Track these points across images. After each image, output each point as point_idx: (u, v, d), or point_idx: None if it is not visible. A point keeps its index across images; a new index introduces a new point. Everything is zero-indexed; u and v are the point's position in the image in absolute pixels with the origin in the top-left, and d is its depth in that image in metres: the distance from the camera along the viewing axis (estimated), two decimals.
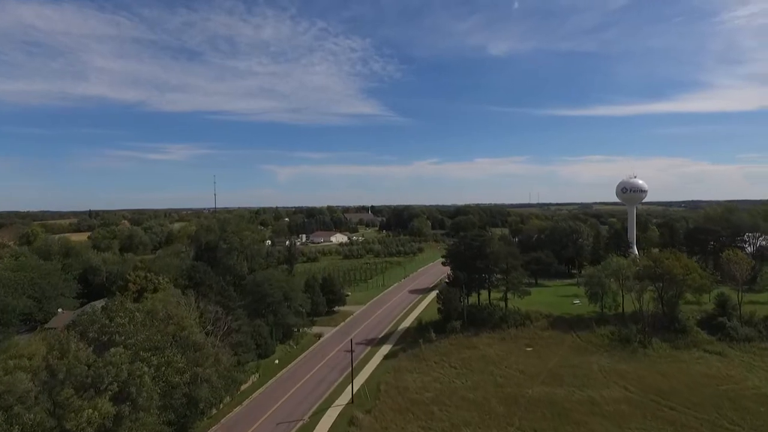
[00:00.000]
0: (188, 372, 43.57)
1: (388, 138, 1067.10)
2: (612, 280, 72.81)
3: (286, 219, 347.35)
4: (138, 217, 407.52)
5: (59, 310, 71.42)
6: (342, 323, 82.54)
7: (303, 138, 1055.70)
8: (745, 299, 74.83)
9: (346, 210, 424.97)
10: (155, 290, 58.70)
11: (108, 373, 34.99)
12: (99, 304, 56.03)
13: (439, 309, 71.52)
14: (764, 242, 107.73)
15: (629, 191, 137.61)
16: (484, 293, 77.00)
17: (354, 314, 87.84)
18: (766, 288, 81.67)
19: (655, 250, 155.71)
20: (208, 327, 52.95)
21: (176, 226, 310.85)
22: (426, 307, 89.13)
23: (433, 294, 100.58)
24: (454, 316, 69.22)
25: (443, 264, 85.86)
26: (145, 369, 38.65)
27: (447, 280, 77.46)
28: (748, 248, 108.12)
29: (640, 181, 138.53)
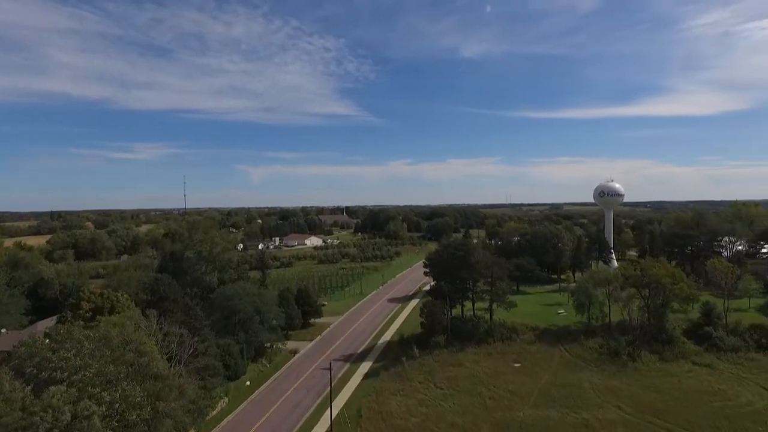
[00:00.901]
0: (147, 407, 38.59)
1: (362, 138, 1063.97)
2: (600, 290, 70.77)
3: (259, 221, 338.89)
4: (103, 219, 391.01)
5: (2, 330, 64.54)
6: (318, 337, 78.02)
7: (276, 138, 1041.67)
8: (726, 306, 74.21)
9: (321, 211, 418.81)
10: (112, 309, 53.13)
11: (44, 419, 29.83)
12: (44, 326, 50.18)
13: (422, 323, 67.88)
14: (740, 247, 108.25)
15: (606, 195, 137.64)
16: (467, 304, 73.82)
17: (331, 326, 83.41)
18: (748, 294, 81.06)
19: (632, 253, 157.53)
20: (172, 349, 47.93)
21: (143, 228, 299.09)
22: (407, 317, 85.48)
23: (413, 303, 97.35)
24: (438, 330, 65.76)
25: (425, 274, 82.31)
26: (95, 408, 33.53)
27: (429, 290, 73.76)
28: (725, 253, 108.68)
29: (617, 185, 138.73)
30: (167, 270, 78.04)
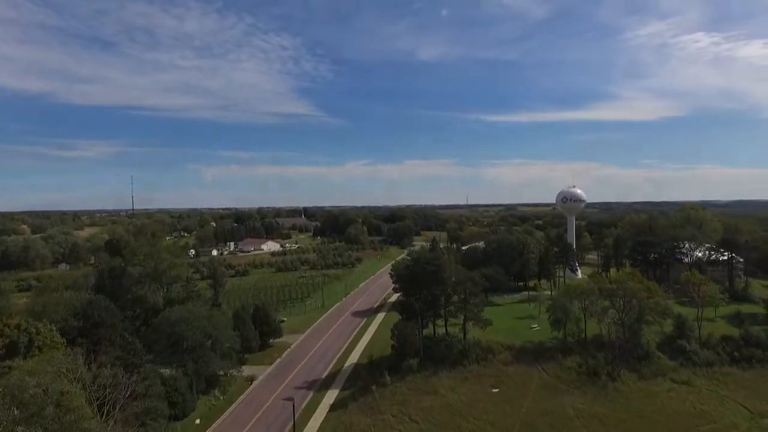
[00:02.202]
0: None
1: (320, 139, 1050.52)
2: (576, 303, 68.09)
3: (213, 224, 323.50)
4: (41, 222, 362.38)
5: None
6: (278, 359, 71.34)
7: (231, 137, 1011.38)
8: (693, 315, 73.69)
9: (278, 213, 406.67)
10: (31, 344, 44.81)
11: None
12: None
13: (392, 346, 62.72)
14: (700, 253, 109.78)
15: (569, 201, 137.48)
16: (439, 321, 69.37)
17: (292, 347, 76.84)
18: (714, 303, 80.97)
19: (590, 256, 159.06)
20: (105, 395, 40.54)
21: (86, 232, 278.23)
22: (374, 334, 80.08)
23: (380, 317, 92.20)
24: (410, 353, 60.83)
25: (394, 290, 77.31)
26: None
27: (399, 308, 68.63)
28: (686, 259, 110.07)
29: (579, 191, 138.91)
30: (104, 289, 69.23)
